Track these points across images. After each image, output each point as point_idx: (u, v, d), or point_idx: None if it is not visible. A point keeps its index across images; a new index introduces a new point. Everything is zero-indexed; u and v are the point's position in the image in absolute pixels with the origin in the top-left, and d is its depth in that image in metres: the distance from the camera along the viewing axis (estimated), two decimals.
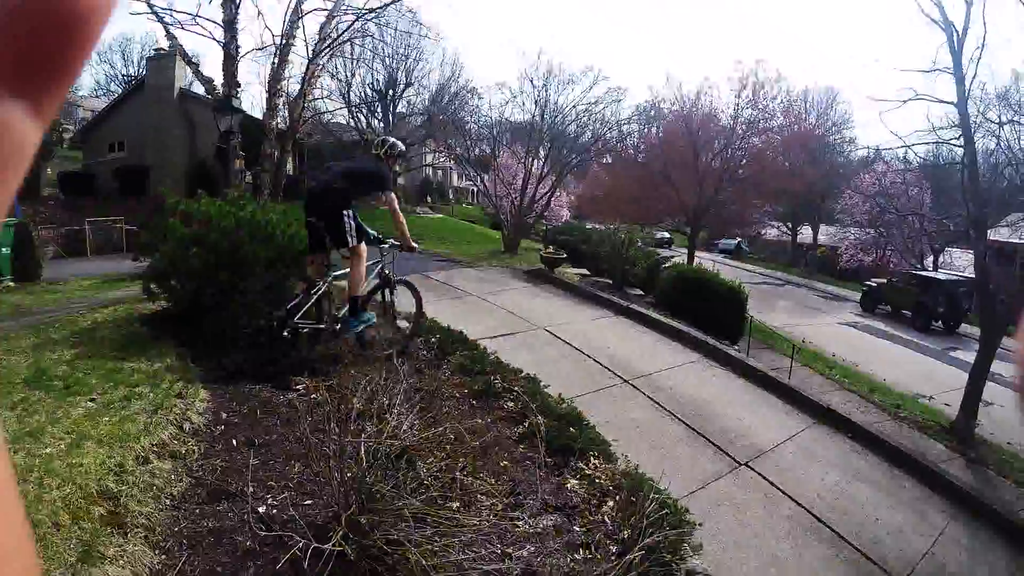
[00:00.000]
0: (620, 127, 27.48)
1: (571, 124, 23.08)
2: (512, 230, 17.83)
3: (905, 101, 11.54)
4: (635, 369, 8.99)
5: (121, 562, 3.45)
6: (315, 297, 6.57)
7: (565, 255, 14.88)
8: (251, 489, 4.07)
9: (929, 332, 22.91)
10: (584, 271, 14.39)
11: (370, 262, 6.94)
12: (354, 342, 7.14)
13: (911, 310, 24.19)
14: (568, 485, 5.46)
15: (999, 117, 12.16)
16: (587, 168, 34.61)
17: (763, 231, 43.84)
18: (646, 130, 33.28)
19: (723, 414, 8.41)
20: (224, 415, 5.53)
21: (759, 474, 7.29)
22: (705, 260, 19.95)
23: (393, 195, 6.68)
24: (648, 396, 8.31)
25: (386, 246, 7.20)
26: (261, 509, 4.19)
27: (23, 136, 0.34)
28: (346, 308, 6.75)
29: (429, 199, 45.63)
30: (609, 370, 8.66)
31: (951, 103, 10.99)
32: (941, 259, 32.32)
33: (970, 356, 11.63)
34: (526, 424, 6.00)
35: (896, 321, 23.89)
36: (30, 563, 0.37)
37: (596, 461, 5.81)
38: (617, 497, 5.32)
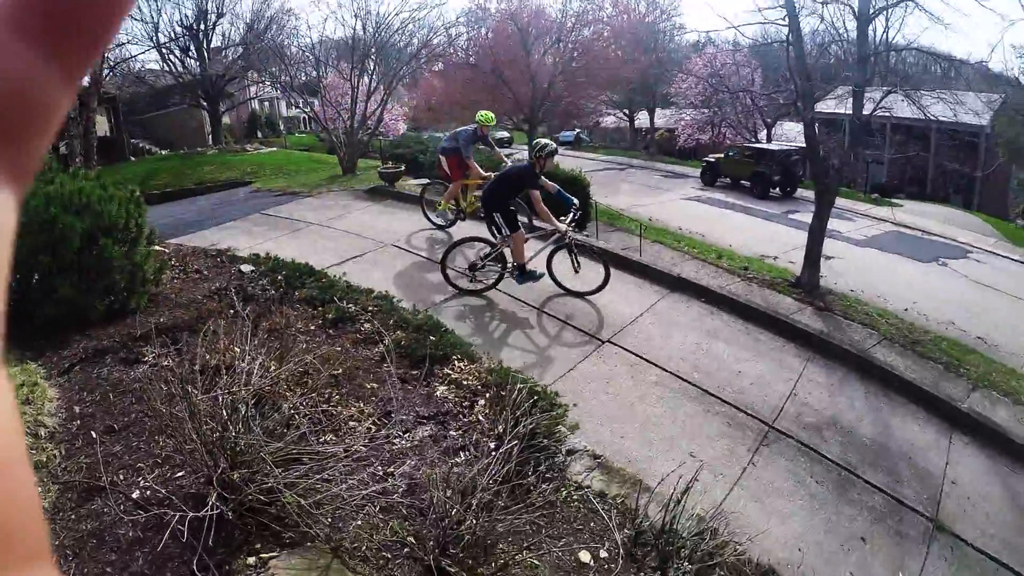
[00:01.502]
0: (447, 31, 26.76)
1: (396, 34, 22.25)
2: (347, 152, 17.12)
3: None
4: None
5: None
6: (496, 252, 8.30)
7: (403, 168, 14.50)
8: (121, 478, 3.90)
9: (768, 198, 24.20)
10: (425, 180, 14.00)
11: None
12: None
13: (749, 180, 25.34)
14: (438, 392, 5.42)
15: None
16: (420, 78, 33.70)
17: (601, 120, 44.48)
18: (475, 32, 32.66)
19: (582, 300, 8.59)
20: (77, 408, 5.07)
21: (623, 348, 7.54)
22: None
23: (537, 192, 8.00)
24: (506, 294, 8.34)
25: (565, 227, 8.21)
26: (135, 495, 3.97)
27: (51, 98, 0.31)
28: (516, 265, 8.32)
29: (259, 134, 43.24)
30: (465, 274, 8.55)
31: None
32: (774, 131, 34.11)
33: (807, 217, 12.35)
34: (387, 342, 5.80)
35: (736, 191, 25.03)
36: (42, 539, 0.31)
37: (461, 364, 5.82)
38: (487, 395, 5.37)
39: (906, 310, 11.81)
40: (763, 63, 31.99)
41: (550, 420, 5.04)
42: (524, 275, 8.34)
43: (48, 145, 0.33)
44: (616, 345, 7.56)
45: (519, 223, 8.42)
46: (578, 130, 46.77)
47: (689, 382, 7.16)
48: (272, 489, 3.58)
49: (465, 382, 5.50)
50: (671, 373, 7.24)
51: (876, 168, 35.27)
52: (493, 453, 4.25)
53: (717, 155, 27.66)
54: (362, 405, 5.04)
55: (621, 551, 4.17)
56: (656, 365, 7.32)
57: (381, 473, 4.44)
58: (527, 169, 8.25)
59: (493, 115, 10.98)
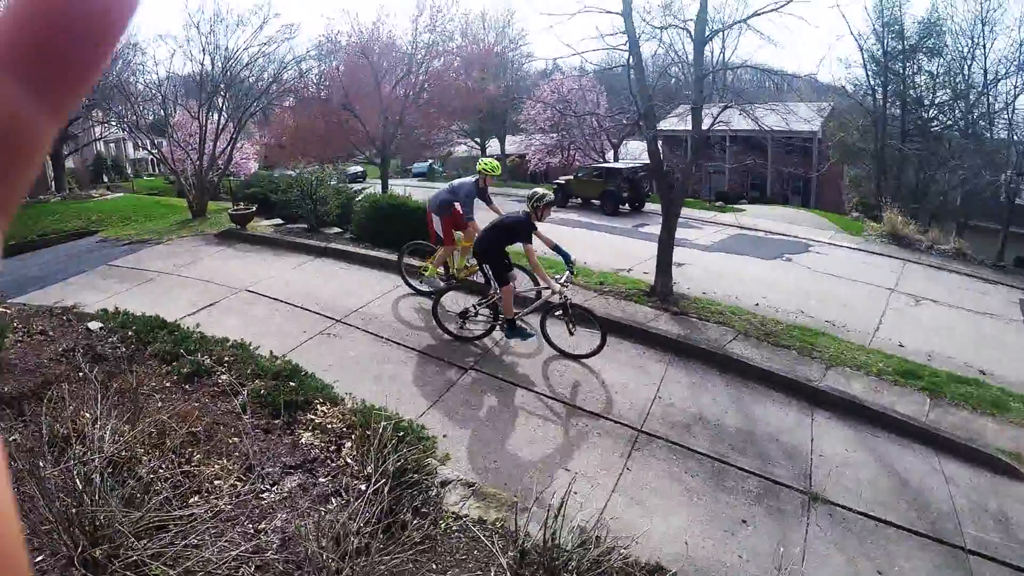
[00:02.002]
0: (298, 65, 26.33)
1: (245, 68, 21.64)
2: (197, 194, 16.53)
3: (574, 14, 12.24)
4: (345, 306, 8.89)
5: None
6: (489, 301, 8.20)
7: (255, 208, 14.13)
8: None
9: (618, 215, 25.33)
10: (278, 221, 13.71)
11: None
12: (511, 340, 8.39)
13: (599, 199, 26.41)
14: (303, 440, 5.32)
15: (661, 22, 13.27)
16: (271, 114, 32.93)
17: (453, 150, 45.14)
18: (327, 66, 32.31)
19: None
20: None
21: (486, 374, 7.70)
22: (399, 187, 20.02)
23: (532, 246, 7.80)
24: (364, 330, 8.31)
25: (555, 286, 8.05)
26: None
27: (36, 134, 0.33)
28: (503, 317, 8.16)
29: (106, 179, 40.79)
30: (319, 314, 8.49)
31: (617, 12, 11.71)
32: (620, 150, 35.63)
33: (657, 229, 12.88)
34: (245, 394, 5.68)
35: (587, 210, 26.03)
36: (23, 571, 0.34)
37: (324, 408, 5.74)
38: (353, 436, 5.31)
39: (757, 305, 12.55)
40: (608, 86, 33.75)
41: (419, 454, 5.00)
42: (513, 330, 8.16)
43: (32, 179, 0.35)
44: (480, 371, 7.70)
45: (510, 276, 8.11)
46: (431, 161, 47.07)
47: (556, 399, 7.39)
48: (138, 563, 3.43)
49: (330, 426, 5.43)
50: (539, 395, 7.45)
51: (718, 178, 37.76)
52: (364, 495, 4.20)
53: (567, 177, 28.67)
54: (225, 461, 4.87)
55: (508, 574, 4.17)
56: (521, 387, 7.52)
57: (252, 531, 4.31)
58: (523, 220, 7.88)
59: (498, 163, 9.93)
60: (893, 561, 6.06)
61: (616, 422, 7.17)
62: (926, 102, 33.92)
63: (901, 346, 12.04)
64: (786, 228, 23.79)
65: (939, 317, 14.99)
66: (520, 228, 7.80)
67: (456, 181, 9.61)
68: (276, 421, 5.43)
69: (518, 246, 8.03)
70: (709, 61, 13.38)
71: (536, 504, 4.49)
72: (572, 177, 28.10)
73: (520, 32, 47.83)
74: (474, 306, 8.28)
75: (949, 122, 33.93)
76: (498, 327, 8.24)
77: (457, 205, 9.18)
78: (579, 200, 27.27)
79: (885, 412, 8.73)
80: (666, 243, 12.00)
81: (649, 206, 25.47)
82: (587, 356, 8.25)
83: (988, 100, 31.13)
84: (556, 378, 7.89)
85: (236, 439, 5.18)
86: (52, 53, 0.32)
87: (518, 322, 8.16)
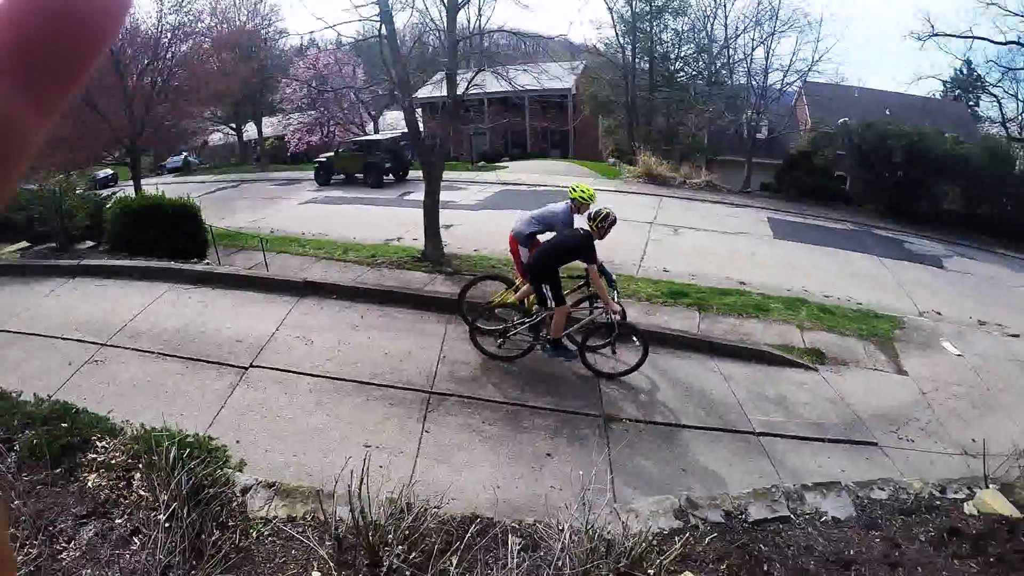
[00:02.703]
0: None
1: None
2: None
3: None
4: (109, 326, 8.29)
5: None
6: (533, 321, 8.00)
7: None
8: None
9: (383, 186, 25.48)
10: (23, 244, 12.29)
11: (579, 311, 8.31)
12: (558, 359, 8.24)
13: (362, 172, 26.42)
14: (90, 483, 5.01)
15: None
16: None
17: (208, 139, 42.85)
18: None
19: (213, 330, 8.44)
20: None
21: (268, 367, 7.64)
22: (152, 186, 18.87)
23: (595, 267, 7.46)
24: (133, 349, 7.84)
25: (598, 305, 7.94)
26: None
27: (25, 131, 0.34)
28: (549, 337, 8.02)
29: None
30: (81, 341, 7.89)
31: None
32: (380, 122, 35.53)
33: (422, 196, 13.20)
34: (18, 448, 5.29)
35: (352, 186, 25.90)
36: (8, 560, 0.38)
37: (103, 443, 5.39)
38: (140, 465, 5.08)
39: None
40: (366, 58, 33.25)
41: (211, 467, 4.90)
42: (557, 349, 8.05)
43: (21, 174, 0.35)
44: (261, 367, 7.62)
45: (564, 296, 7.84)
46: (185, 154, 44.38)
47: (342, 379, 7.49)
48: None
49: (114, 461, 5.17)
50: (322, 377, 7.51)
51: (480, 139, 38.87)
52: (161, 525, 4.10)
53: (328, 154, 28.25)
54: (14, 530, 4.46)
55: (331, 564, 4.16)
56: (306, 374, 7.55)
57: None
58: (585, 240, 7.59)
59: (593, 191, 8.75)
60: (694, 458, 6.89)
61: (407, 389, 7.43)
62: (672, 56, 37.33)
63: (666, 271, 13.45)
64: (548, 179, 25.16)
65: (698, 241, 16.83)
66: (583, 248, 7.55)
67: (542, 210, 8.78)
68: (57, 470, 5.04)
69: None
70: (464, 28, 13.80)
71: (342, 487, 4.47)
72: (333, 154, 27.74)
73: (273, 7, 45.92)
74: (514, 324, 8.14)
75: (694, 72, 37.80)
76: (538, 346, 8.15)
77: (539, 238, 8.59)
78: (342, 176, 26.99)
79: (661, 330, 9.74)
80: (431, 208, 12.46)
81: (414, 174, 25.71)
82: (627, 372, 8.22)
83: (729, 52, 34.85)
84: (339, 359, 7.97)
85: (19, 501, 4.75)
86: (43, 53, 0.33)
87: (564, 341, 8.12)
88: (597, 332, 8.25)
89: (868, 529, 5.31)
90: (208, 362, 7.67)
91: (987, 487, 6.23)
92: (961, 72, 42.32)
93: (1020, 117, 39.07)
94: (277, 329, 8.59)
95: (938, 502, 5.95)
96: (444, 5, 12.15)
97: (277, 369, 7.62)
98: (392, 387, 7.45)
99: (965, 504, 5.94)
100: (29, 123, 0.34)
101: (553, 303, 7.67)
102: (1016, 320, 14.11)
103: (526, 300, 8.50)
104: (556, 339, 8.00)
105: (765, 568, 4.52)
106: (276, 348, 8.12)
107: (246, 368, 7.57)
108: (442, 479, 5.76)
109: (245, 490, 5.07)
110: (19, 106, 0.33)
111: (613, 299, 7.79)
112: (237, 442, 6.05)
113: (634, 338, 8.18)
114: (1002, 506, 5.75)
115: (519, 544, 4.44)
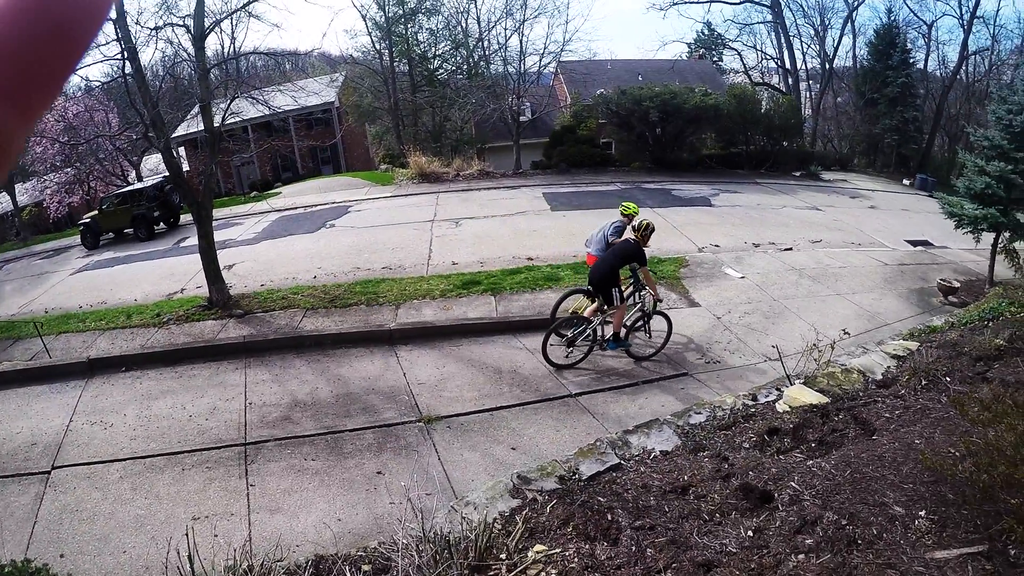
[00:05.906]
0: None
1: None
2: None
3: None
4: None
5: None
6: (595, 325, 8.82)
7: None
8: None
9: (156, 237, 22.92)
10: None
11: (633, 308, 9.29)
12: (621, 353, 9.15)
13: (132, 226, 23.50)
14: None
15: (157, 22, 12.50)
16: None
17: None
18: None
19: (2, 439, 7.72)
20: None
21: (72, 464, 7.01)
22: None
23: (646, 267, 8.81)
24: None
25: (646, 294, 9.14)
26: None
27: (5, 137, 0.34)
28: (611, 335, 9.03)
29: None
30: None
31: (110, 19, 10.51)
32: (143, 168, 33.10)
33: (196, 239, 12.40)
34: None
35: (123, 243, 22.90)
36: None
37: None
38: None
39: (315, 278, 13.26)
40: (118, 101, 30.30)
41: None
42: (618, 343, 9.03)
43: (2, 179, 0.36)
44: (64, 467, 6.99)
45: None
46: None
47: (151, 456, 7.03)
48: None
49: None
50: (130, 459, 7.00)
51: (249, 168, 37.33)
52: None
53: (92, 213, 25.28)
54: None
55: None
56: (113, 461, 7.01)
57: None
58: (636, 248, 8.70)
59: (635, 205, 10.27)
60: (521, 434, 7.12)
61: (220, 447, 7.13)
62: (430, 55, 38.31)
63: (455, 264, 13.64)
64: (323, 198, 24.77)
65: (480, 229, 17.20)
66: (637, 254, 8.72)
67: (604, 227, 10.11)
68: None
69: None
70: (217, 54, 13.03)
71: (173, 573, 4.30)
72: (97, 212, 24.71)
73: None
74: (577, 334, 8.85)
75: (453, 68, 39.10)
76: (597, 346, 8.99)
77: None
78: (111, 235, 24.30)
79: (459, 323, 9.94)
80: (207, 251, 11.82)
81: (186, 218, 24.15)
82: (662, 347, 9.23)
83: (484, 44, 36.39)
84: (143, 435, 7.49)
85: None
86: (22, 60, 0.33)
87: (621, 333, 9.02)
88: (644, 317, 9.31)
89: (695, 452, 5.76)
90: (5, 476, 6.92)
91: (792, 384, 6.93)
92: (703, 33, 48.35)
93: (759, 64, 45.74)
94: (71, 420, 7.94)
95: (753, 409, 6.63)
96: (190, 34, 11.46)
97: (82, 464, 7.00)
98: (204, 449, 7.09)
99: (777, 404, 6.59)
100: (9, 129, 0.35)
101: (619, 302, 8.74)
102: (786, 236, 15.93)
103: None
104: (616, 333, 9.02)
105: (609, 517, 4.72)
106: (75, 441, 7.47)
107: (48, 472, 6.90)
108: (281, 528, 5.62)
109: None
110: (0, 114, 0.34)
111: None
112: (61, 556, 5.54)
113: (663, 317, 9.33)
114: (809, 396, 6.53)
115: (369, 570, 4.40)
